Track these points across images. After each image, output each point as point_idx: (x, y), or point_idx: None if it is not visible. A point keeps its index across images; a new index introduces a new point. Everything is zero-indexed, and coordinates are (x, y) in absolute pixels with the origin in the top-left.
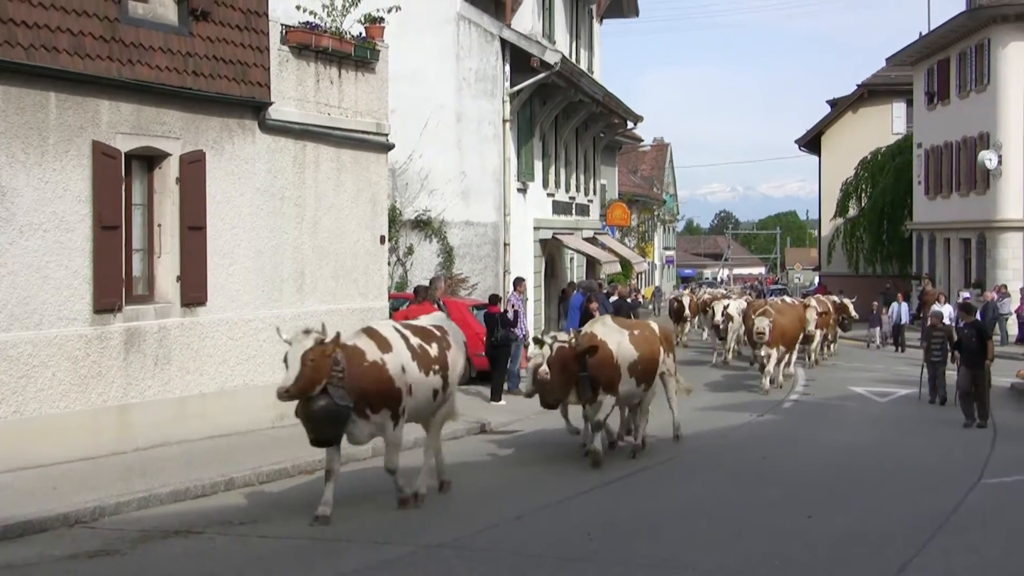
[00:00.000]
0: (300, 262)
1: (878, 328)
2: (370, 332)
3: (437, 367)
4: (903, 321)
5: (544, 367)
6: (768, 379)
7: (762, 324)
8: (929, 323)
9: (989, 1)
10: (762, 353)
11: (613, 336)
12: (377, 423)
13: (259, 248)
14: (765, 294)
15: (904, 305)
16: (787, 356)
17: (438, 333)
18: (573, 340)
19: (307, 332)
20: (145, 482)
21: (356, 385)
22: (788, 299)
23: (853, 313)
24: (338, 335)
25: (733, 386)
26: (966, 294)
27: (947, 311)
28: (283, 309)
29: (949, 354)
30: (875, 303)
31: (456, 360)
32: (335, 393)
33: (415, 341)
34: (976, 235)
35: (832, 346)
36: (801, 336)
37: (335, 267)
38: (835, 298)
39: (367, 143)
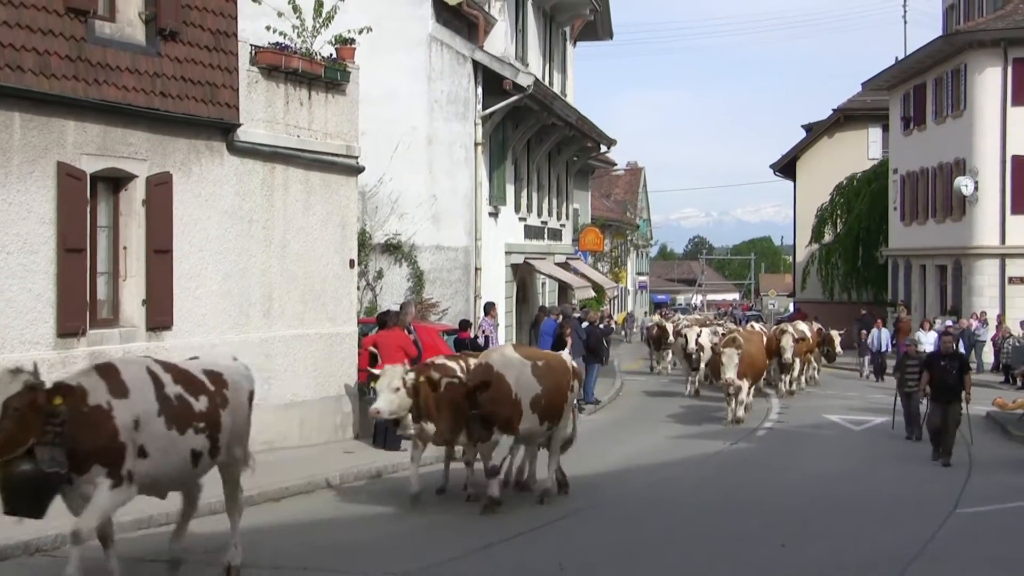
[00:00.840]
0: (268, 286)
1: (868, 356)
2: (104, 369)
3: (202, 424)
4: (884, 349)
5: (388, 407)
6: (741, 409)
7: (731, 374)
8: (904, 352)
9: (965, 26)
10: (731, 390)
11: (512, 368)
12: (90, 483)
13: (226, 272)
14: (740, 320)
15: (885, 331)
16: (754, 387)
17: (210, 385)
18: (460, 369)
19: (14, 372)
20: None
21: (72, 438)
22: (758, 326)
23: (839, 348)
24: (59, 384)
25: (705, 414)
26: (948, 322)
27: (932, 338)
28: (250, 334)
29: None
30: (863, 331)
31: (236, 417)
32: (44, 455)
33: (172, 390)
34: (952, 262)
35: (813, 375)
36: (773, 364)
37: (303, 291)
38: (819, 326)
39: (337, 166)
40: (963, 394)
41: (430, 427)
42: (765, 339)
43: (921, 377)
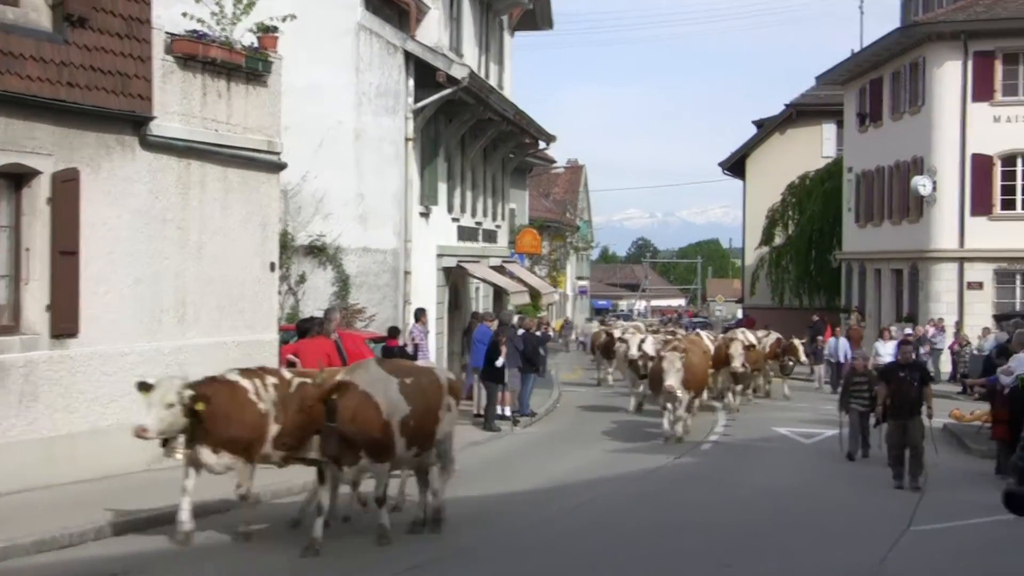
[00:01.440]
0: (182, 291)
1: (823, 366)
2: None
3: None
4: (844, 358)
5: (158, 425)
6: (680, 426)
7: (673, 380)
8: (850, 367)
9: (924, 18)
10: (668, 404)
11: (379, 386)
12: None
13: (138, 275)
14: (688, 328)
15: (844, 340)
16: (696, 400)
17: None
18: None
19: None
20: (6, 531)
21: None
22: (704, 333)
23: (803, 357)
24: None
25: (648, 428)
26: (908, 330)
27: (892, 348)
28: (163, 342)
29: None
30: (819, 338)
31: None
32: None
33: None
34: (908, 266)
35: (766, 387)
36: (721, 375)
37: (220, 296)
38: (776, 335)
39: (257, 162)
40: (924, 408)
41: (206, 454)
42: (712, 348)
43: (878, 390)
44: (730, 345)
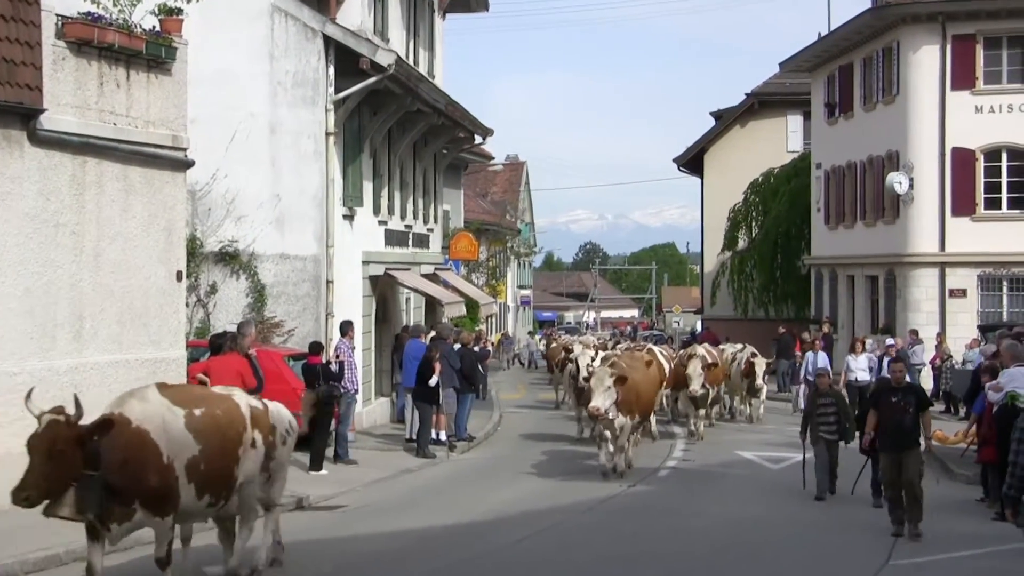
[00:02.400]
0: (78, 303)
1: (802, 386)
2: None
3: None
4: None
5: None
6: (621, 458)
7: (599, 401)
8: (813, 387)
9: None
10: (606, 430)
11: (158, 418)
12: None
13: (28, 286)
14: (635, 339)
15: (822, 355)
16: (641, 426)
17: None
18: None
19: None
20: None
21: None
22: (657, 348)
23: (759, 380)
24: None
25: (590, 458)
26: (890, 341)
27: (864, 363)
28: (57, 360)
29: (850, 428)
30: (798, 353)
31: None
32: None
33: None
34: (884, 271)
35: (739, 408)
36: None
37: (121, 309)
38: (752, 350)
39: (161, 159)
40: (922, 440)
41: None
42: (668, 365)
43: (868, 418)
44: (688, 363)
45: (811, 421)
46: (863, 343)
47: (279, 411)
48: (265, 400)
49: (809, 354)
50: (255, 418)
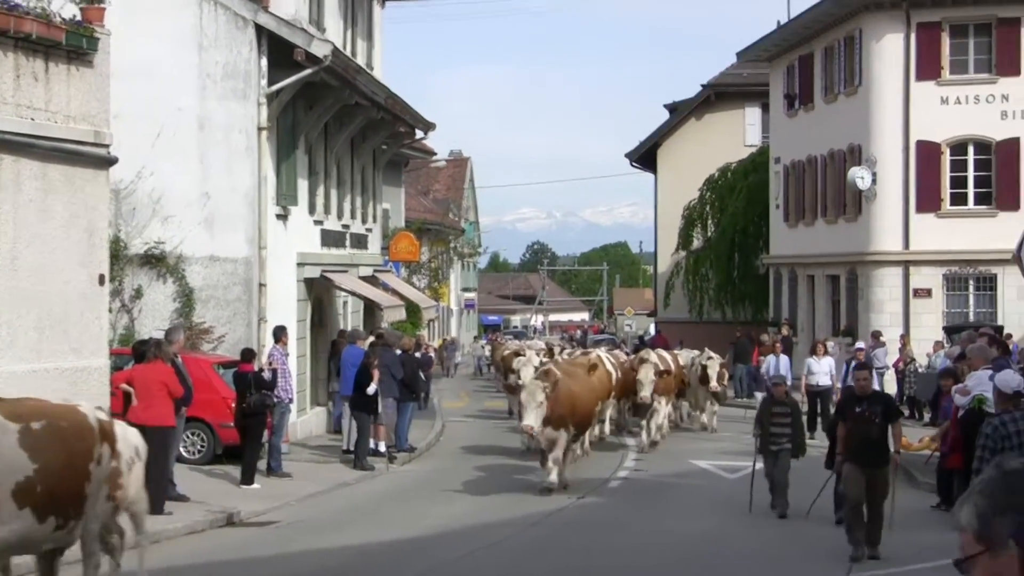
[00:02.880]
0: None
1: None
2: None
3: None
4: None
5: None
6: (554, 473)
7: (531, 419)
8: (767, 392)
9: None
10: (542, 443)
11: None
12: None
13: None
14: (585, 344)
15: (784, 359)
16: (579, 440)
17: None
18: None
19: None
20: None
21: None
22: (603, 354)
23: (714, 383)
24: None
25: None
26: (858, 344)
27: (827, 366)
28: None
29: (802, 443)
30: (760, 358)
31: None
32: None
33: None
34: (846, 271)
35: (699, 417)
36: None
37: (40, 315)
38: (698, 354)
39: (83, 156)
40: (892, 455)
41: None
42: (616, 373)
43: (839, 432)
44: (640, 368)
45: (763, 430)
46: (825, 346)
47: (126, 434)
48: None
49: (770, 358)
50: (104, 431)
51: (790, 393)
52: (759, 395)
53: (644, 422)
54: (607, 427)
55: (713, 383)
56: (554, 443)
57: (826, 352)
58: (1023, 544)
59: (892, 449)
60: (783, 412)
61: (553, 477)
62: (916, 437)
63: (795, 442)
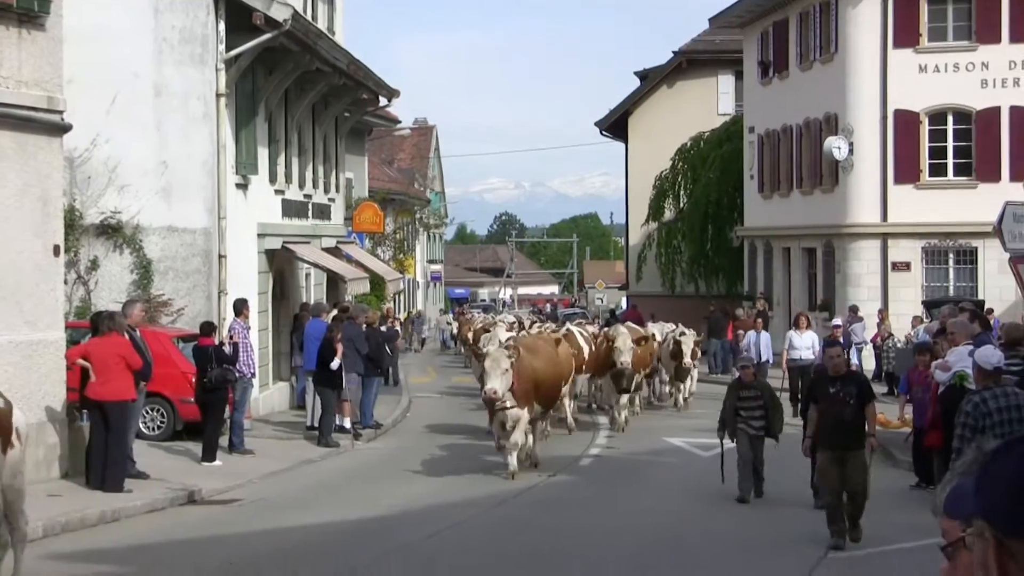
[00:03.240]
0: None
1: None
2: None
3: None
4: (764, 359)
5: None
6: (512, 457)
7: (496, 382)
8: (738, 378)
9: None
10: (507, 423)
11: None
12: None
13: None
14: (558, 318)
15: (765, 335)
16: (544, 418)
17: None
18: None
19: None
20: None
21: None
22: (575, 328)
23: (687, 359)
24: None
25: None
26: (836, 321)
27: (809, 341)
28: None
29: (777, 422)
30: (741, 332)
31: None
32: None
33: None
34: (822, 243)
35: (671, 392)
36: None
37: None
38: (672, 330)
39: (35, 123)
40: (867, 438)
41: None
42: (588, 347)
43: (810, 415)
44: (616, 337)
45: (731, 413)
46: (807, 318)
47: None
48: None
49: (750, 334)
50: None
51: (759, 375)
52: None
53: (622, 396)
54: (570, 406)
55: (687, 359)
56: (517, 422)
57: (808, 325)
58: (998, 526)
59: (868, 432)
60: (752, 396)
61: (512, 461)
62: (894, 415)
63: (770, 426)
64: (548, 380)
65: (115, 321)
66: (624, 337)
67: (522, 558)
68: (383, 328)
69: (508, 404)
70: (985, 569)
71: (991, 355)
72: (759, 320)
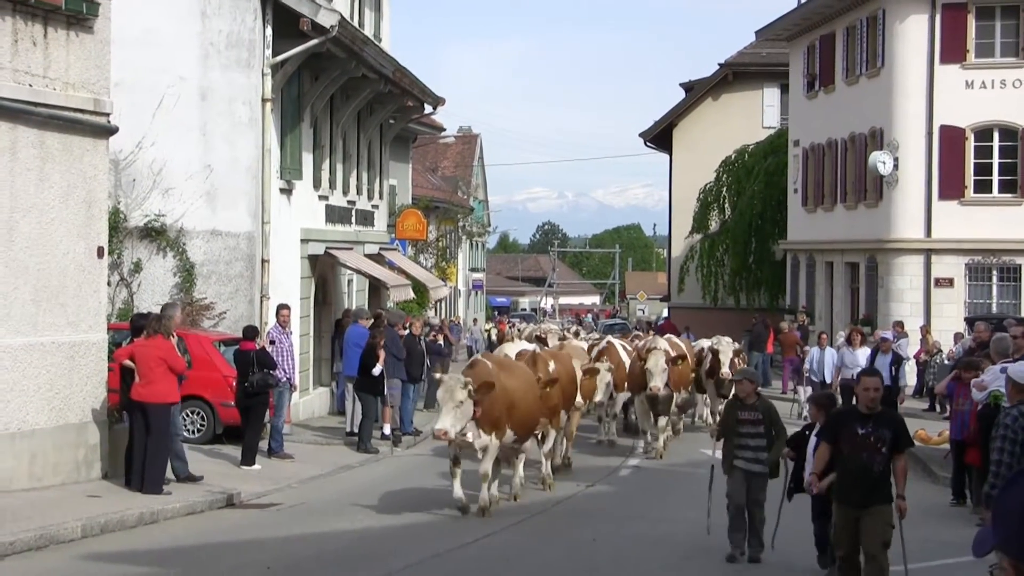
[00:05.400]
0: None
1: (807, 388)
2: None
3: None
4: (827, 379)
5: None
6: (485, 490)
7: (445, 421)
8: (734, 395)
9: None
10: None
11: None
12: None
13: None
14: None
15: (831, 351)
16: (519, 451)
17: None
18: None
19: None
20: None
21: None
22: (617, 341)
23: (725, 369)
24: None
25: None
26: (884, 333)
27: (863, 359)
28: None
29: (776, 456)
30: (804, 347)
31: None
32: None
33: None
34: (865, 258)
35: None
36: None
37: (36, 287)
38: (716, 340)
39: (82, 125)
40: (896, 499)
41: None
42: (630, 362)
43: (819, 454)
44: (648, 357)
45: (727, 441)
46: (861, 333)
47: None
48: None
49: (814, 350)
50: None
51: (761, 393)
52: (800, 390)
53: (659, 419)
54: (612, 428)
55: (724, 369)
56: (482, 450)
57: (863, 341)
58: (1013, 554)
59: (897, 491)
60: (752, 420)
61: (484, 495)
62: (935, 431)
63: (770, 458)
64: (524, 402)
65: (162, 324)
66: (657, 356)
67: (564, 569)
68: (439, 340)
69: (468, 437)
70: None
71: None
72: (823, 336)
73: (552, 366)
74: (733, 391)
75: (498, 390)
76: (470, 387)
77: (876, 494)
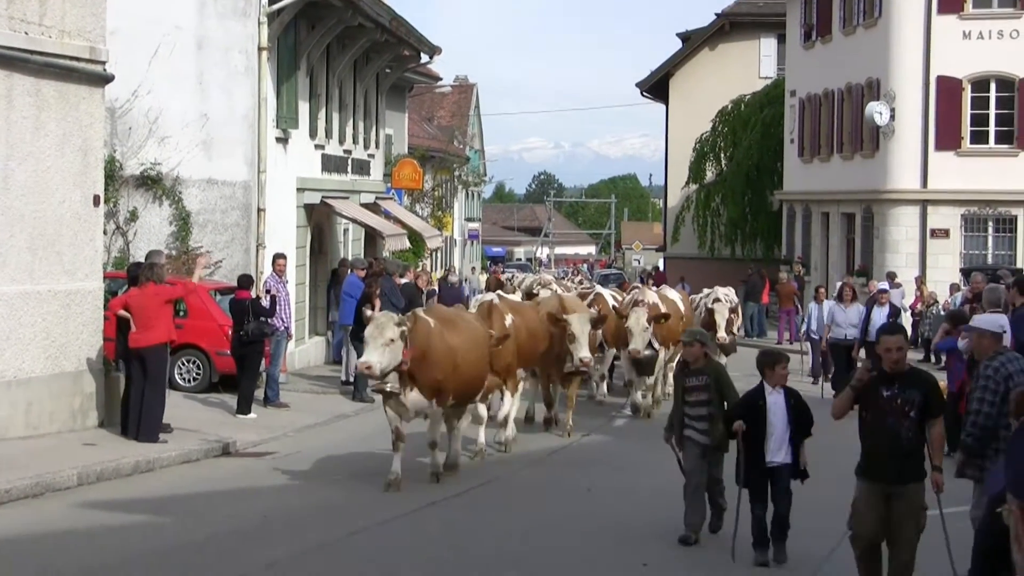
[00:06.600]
0: None
1: (806, 344)
2: None
3: None
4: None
5: None
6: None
7: (371, 355)
8: (683, 359)
9: None
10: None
11: None
12: None
13: None
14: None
15: (831, 304)
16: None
17: None
18: None
19: None
20: None
21: None
22: (606, 291)
23: (721, 333)
24: None
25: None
26: (882, 285)
27: (856, 316)
28: None
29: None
30: (807, 303)
31: None
32: None
33: None
34: (861, 209)
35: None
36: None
37: (32, 236)
38: (711, 295)
39: (77, 73)
40: (930, 471)
41: None
42: (611, 311)
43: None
44: (629, 315)
45: (677, 410)
46: (853, 290)
47: None
48: None
49: (812, 306)
50: None
51: (710, 355)
52: (807, 347)
53: (647, 379)
54: (603, 387)
55: (721, 333)
56: (435, 419)
57: (854, 298)
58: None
59: (932, 463)
60: (701, 385)
61: (439, 460)
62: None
63: (712, 429)
64: (470, 365)
65: (154, 272)
66: (638, 315)
67: (556, 513)
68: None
69: (391, 387)
70: (1019, 542)
71: (996, 320)
72: (822, 290)
73: (509, 319)
74: (680, 355)
75: (440, 349)
76: (404, 328)
77: (909, 468)
